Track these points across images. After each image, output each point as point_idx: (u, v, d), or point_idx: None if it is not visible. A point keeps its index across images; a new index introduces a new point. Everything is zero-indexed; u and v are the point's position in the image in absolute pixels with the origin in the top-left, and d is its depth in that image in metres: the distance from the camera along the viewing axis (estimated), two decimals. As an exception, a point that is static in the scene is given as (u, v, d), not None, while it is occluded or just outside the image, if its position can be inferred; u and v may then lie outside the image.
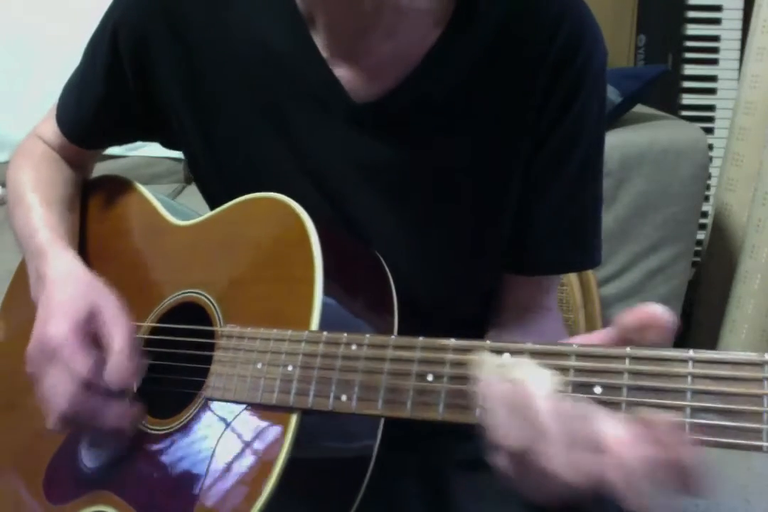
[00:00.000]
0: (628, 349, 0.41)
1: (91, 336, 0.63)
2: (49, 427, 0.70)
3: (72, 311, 0.63)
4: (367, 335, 0.52)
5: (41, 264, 0.71)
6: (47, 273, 0.69)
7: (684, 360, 0.39)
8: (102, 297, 0.66)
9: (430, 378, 0.47)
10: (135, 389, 0.62)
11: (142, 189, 0.82)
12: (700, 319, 1.84)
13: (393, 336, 0.50)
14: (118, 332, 0.63)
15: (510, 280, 0.75)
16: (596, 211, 0.74)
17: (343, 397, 0.51)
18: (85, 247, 0.80)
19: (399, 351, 0.50)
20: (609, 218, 1.54)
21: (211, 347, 0.62)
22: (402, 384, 0.49)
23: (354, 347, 0.52)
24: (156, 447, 0.62)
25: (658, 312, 0.39)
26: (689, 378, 0.39)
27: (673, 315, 0.39)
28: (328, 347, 0.53)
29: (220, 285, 0.65)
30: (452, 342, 0.47)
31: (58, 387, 0.61)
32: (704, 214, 1.87)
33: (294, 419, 0.53)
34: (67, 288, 0.67)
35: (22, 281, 0.81)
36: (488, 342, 0.46)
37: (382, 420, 0.55)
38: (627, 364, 0.41)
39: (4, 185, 0.86)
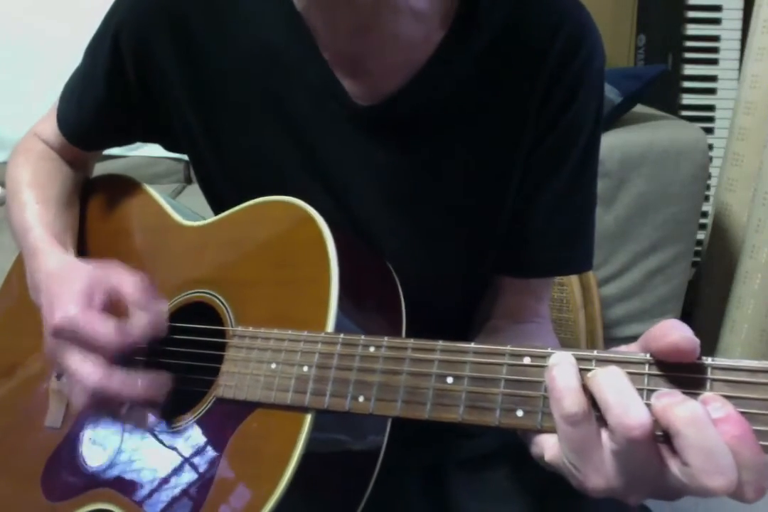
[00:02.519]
0: (647, 356, 0.42)
1: (103, 302, 0.61)
2: (77, 408, 0.68)
3: (74, 291, 0.62)
4: (385, 337, 0.52)
5: (34, 264, 0.71)
6: (41, 270, 0.69)
7: (703, 367, 0.40)
8: (98, 266, 0.65)
9: (450, 380, 0.48)
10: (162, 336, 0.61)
11: (148, 188, 0.82)
12: (700, 319, 1.84)
13: (412, 339, 0.51)
14: (127, 285, 0.61)
15: (504, 284, 0.76)
16: (589, 216, 0.74)
17: (361, 398, 0.51)
18: (91, 245, 0.80)
19: (418, 354, 0.50)
20: (609, 218, 1.55)
21: (222, 346, 0.62)
22: (422, 385, 0.49)
23: (372, 349, 0.52)
24: (164, 445, 0.62)
25: (688, 347, 0.39)
26: (708, 383, 0.39)
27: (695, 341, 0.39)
28: (346, 348, 0.53)
29: (231, 286, 0.65)
30: (472, 346, 0.48)
31: (85, 365, 0.58)
32: (704, 214, 1.87)
33: (308, 418, 0.53)
34: (63, 277, 0.66)
35: (16, 277, 0.81)
36: (509, 346, 0.46)
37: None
38: (646, 369, 0.41)
39: (3, 185, 0.86)
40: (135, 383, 0.59)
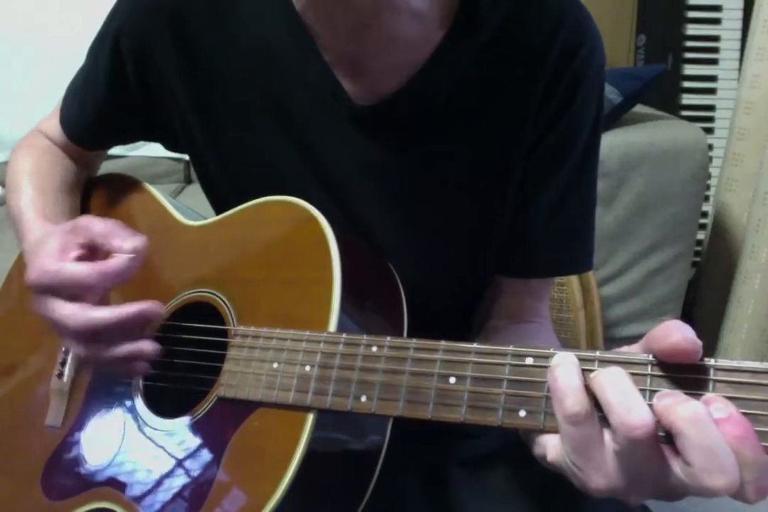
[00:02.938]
0: (650, 356, 0.42)
1: (79, 254, 0.61)
2: (77, 358, 0.68)
3: (49, 249, 0.62)
4: (388, 337, 0.52)
5: (24, 244, 0.71)
6: (28, 243, 0.69)
7: (706, 368, 0.40)
8: (71, 223, 0.65)
9: (452, 380, 0.48)
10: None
11: (151, 188, 0.82)
12: (700, 319, 1.84)
13: (414, 339, 0.51)
14: (97, 225, 0.61)
15: (503, 284, 0.76)
16: (589, 216, 0.74)
17: (363, 398, 0.51)
18: None
19: (420, 353, 0.50)
20: (609, 218, 1.55)
21: (224, 346, 0.62)
22: (424, 385, 0.49)
23: (374, 348, 0.52)
24: (165, 444, 0.62)
25: (690, 348, 0.39)
26: (711, 384, 0.40)
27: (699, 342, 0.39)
28: (348, 348, 0.53)
29: (233, 285, 0.65)
30: (474, 346, 0.48)
31: (65, 307, 0.59)
32: (704, 214, 1.87)
33: (310, 418, 0.53)
34: (41, 242, 0.65)
35: (17, 277, 0.81)
36: (512, 347, 0.47)
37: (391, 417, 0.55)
38: (649, 370, 0.41)
39: (3, 185, 0.86)
40: (122, 311, 0.59)
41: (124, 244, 0.60)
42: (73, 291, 0.60)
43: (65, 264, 0.60)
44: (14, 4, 1.90)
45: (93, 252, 0.62)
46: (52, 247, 0.62)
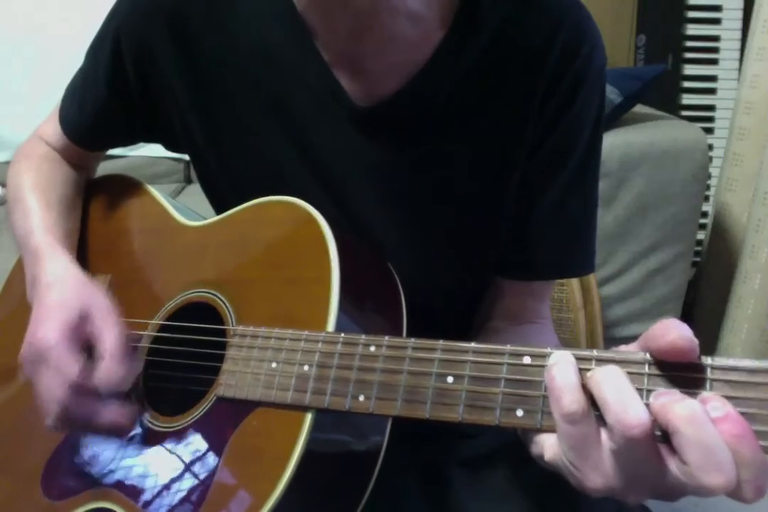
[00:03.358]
0: (647, 355, 0.42)
1: (83, 338, 0.63)
2: (47, 427, 0.70)
3: (63, 314, 0.63)
4: (386, 337, 0.52)
5: (36, 267, 0.71)
6: (41, 276, 0.69)
7: (703, 367, 0.40)
8: (94, 298, 0.66)
9: (450, 379, 0.48)
10: (125, 390, 0.62)
11: (151, 189, 0.82)
12: (700, 319, 1.84)
13: (412, 339, 0.51)
14: (109, 335, 0.62)
15: (504, 286, 0.76)
16: (591, 218, 0.74)
17: (361, 397, 0.51)
18: (93, 245, 0.80)
19: (418, 353, 0.50)
20: (609, 218, 1.55)
21: (223, 346, 0.62)
22: (422, 384, 0.49)
23: (372, 348, 0.52)
24: (164, 444, 0.62)
25: (687, 346, 0.39)
26: (708, 383, 0.39)
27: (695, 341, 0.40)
28: (346, 347, 0.53)
29: (232, 285, 0.65)
30: (472, 345, 0.48)
31: (50, 391, 0.61)
32: (704, 214, 1.87)
33: (308, 417, 0.53)
34: (59, 290, 0.67)
35: (17, 278, 0.81)
36: (509, 346, 0.47)
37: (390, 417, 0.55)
38: (646, 369, 0.41)
39: (4, 185, 0.86)
40: (97, 414, 0.61)
41: (103, 378, 0.61)
42: (58, 373, 0.61)
43: (63, 353, 0.61)
44: (14, 4, 1.90)
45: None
46: (63, 318, 0.63)
